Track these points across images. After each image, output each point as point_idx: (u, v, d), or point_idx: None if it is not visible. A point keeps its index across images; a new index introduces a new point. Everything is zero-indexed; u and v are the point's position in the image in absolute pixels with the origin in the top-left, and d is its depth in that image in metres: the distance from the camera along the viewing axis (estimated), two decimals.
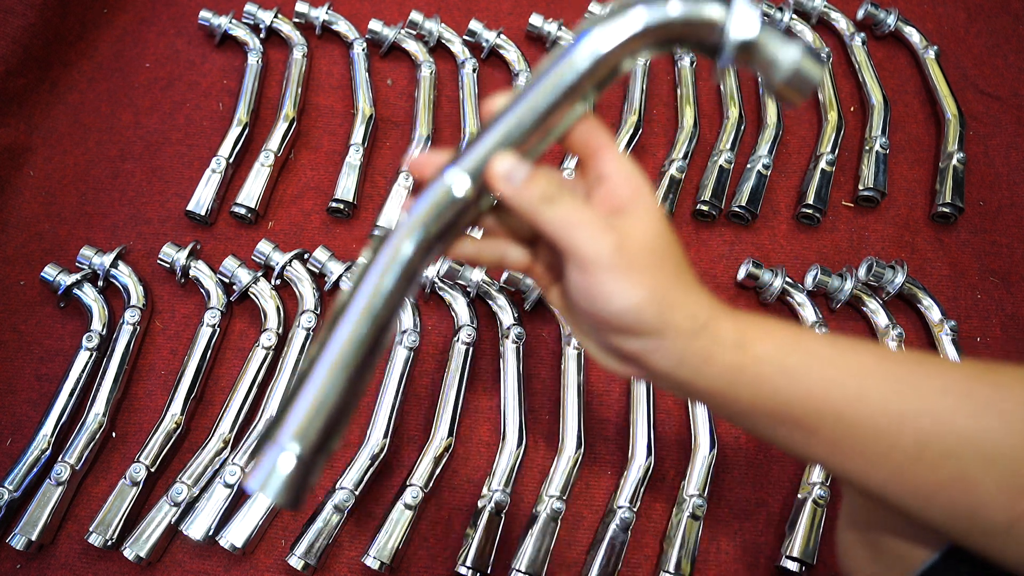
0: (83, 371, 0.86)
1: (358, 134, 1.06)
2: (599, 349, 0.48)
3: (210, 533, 0.78)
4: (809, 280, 0.98)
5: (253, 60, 1.11)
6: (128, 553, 0.77)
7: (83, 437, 0.82)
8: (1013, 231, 1.07)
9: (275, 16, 1.15)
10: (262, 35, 1.15)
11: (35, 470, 0.81)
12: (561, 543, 0.82)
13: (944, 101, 1.13)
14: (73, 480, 0.80)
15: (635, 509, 0.82)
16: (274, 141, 1.04)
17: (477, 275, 0.93)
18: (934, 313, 0.96)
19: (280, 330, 0.91)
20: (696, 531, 0.81)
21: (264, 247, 0.96)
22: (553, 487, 0.82)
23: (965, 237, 1.06)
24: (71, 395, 0.85)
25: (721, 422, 0.87)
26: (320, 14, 1.17)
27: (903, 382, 0.40)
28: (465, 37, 1.16)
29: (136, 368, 0.90)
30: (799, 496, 0.84)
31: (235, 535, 0.77)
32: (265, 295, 0.93)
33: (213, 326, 0.90)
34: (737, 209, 1.02)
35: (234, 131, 1.04)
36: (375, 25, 1.15)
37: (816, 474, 0.84)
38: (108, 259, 0.93)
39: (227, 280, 0.93)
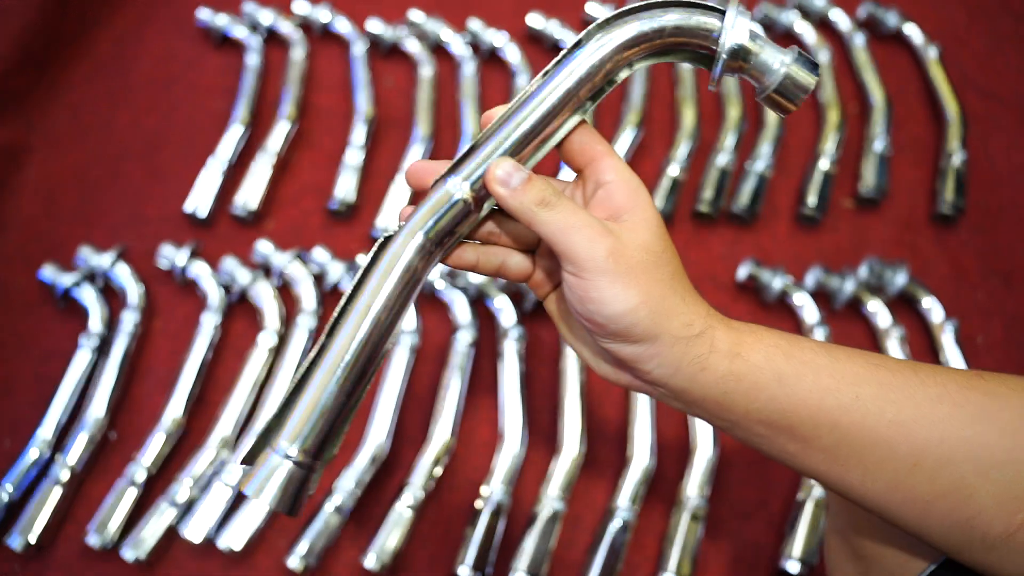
0: (82, 372, 0.86)
1: (358, 134, 1.05)
2: (593, 355, 0.48)
3: (209, 535, 0.78)
4: (810, 280, 0.98)
5: (252, 60, 1.11)
6: (127, 554, 0.76)
7: (82, 438, 0.82)
8: (1014, 231, 1.07)
9: (275, 16, 1.15)
10: (261, 35, 1.15)
11: (34, 471, 0.81)
12: (561, 543, 0.82)
13: (945, 101, 1.13)
14: (72, 481, 0.80)
15: (635, 509, 0.82)
16: (274, 141, 1.04)
17: (477, 276, 0.92)
18: (936, 313, 0.96)
19: (280, 330, 0.91)
20: (696, 531, 0.81)
21: (264, 247, 0.95)
22: (553, 487, 0.82)
23: (966, 237, 1.06)
24: (70, 396, 0.85)
25: None
26: (320, 14, 1.16)
27: (898, 390, 0.40)
28: (465, 36, 1.16)
29: (135, 368, 0.90)
30: (799, 496, 0.84)
31: (233, 538, 0.77)
32: (264, 295, 0.92)
33: (212, 326, 0.90)
34: (737, 210, 1.02)
35: (234, 131, 1.04)
36: (375, 25, 1.15)
37: None
38: (107, 259, 0.93)
39: (226, 280, 0.93)
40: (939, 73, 1.16)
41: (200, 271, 0.93)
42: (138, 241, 0.99)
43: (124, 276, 0.92)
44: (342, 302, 0.43)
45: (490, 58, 1.18)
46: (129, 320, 0.90)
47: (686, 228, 1.04)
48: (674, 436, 0.88)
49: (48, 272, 0.92)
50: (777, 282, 0.96)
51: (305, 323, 0.90)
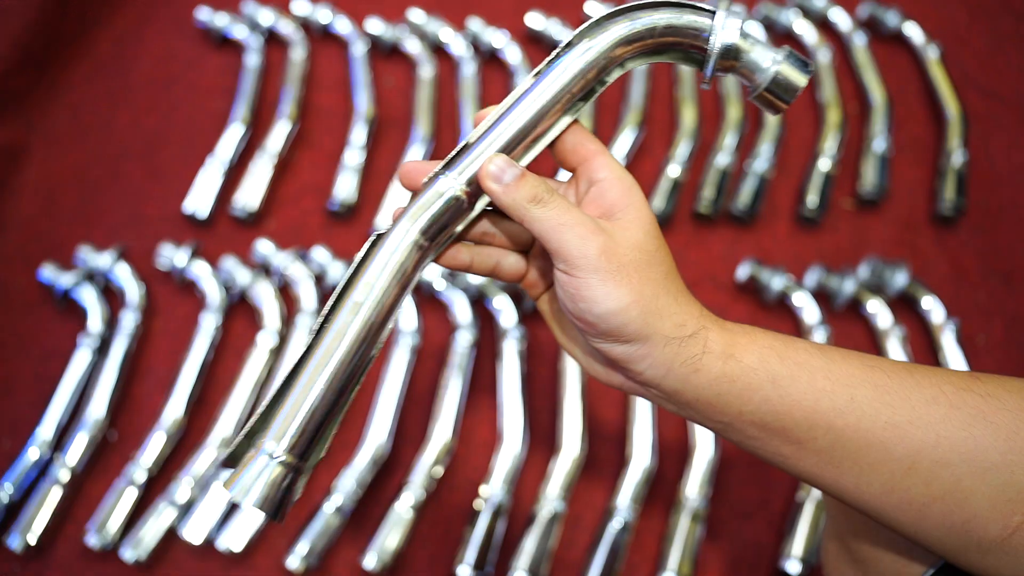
0: (82, 372, 0.86)
1: (358, 134, 1.05)
2: (585, 355, 0.48)
3: (209, 536, 0.78)
4: (810, 280, 0.98)
5: (252, 60, 1.11)
6: (127, 555, 0.76)
7: (82, 438, 0.82)
8: (1015, 231, 1.07)
9: (275, 16, 1.15)
10: (261, 35, 1.15)
11: (34, 471, 0.81)
12: (561, 543, 0.82)
13: (945, 101, 1.13)
14: (72, 481, 0.80)
15: (635, 509, 0.82)
16: (274, 141, 1.04)
17: (477, 276, 0.92)
18: (936, 314, 0.96)
19: (280, 330, 0.91)
20: (696, 531, 0.81)
21: (264, 247, 0.95)
22: (553, 487, 0.82)
23: (966, 237, 1.06)
24: (70, 396, 0.85)
25: None
26: (320, 14, 1.16)
27: (894, 392, 0.40)
28: (465, 36, 1.16)
29: (135, 368, 0.90)
30: (799, 496, 0.83)
31: (233, 538, 0.77)
32: (264, 295, 0.92)
33: (212, 326, 0.90)
34: (737, 210, 1.02)
35: (233, 131, 1.04)
36: (375, 25, 1.15)
37: None
38: (107, 259, 0.93)
39: (227, 280, 0.93)
40: (940, 73, 1.16)
41: (200, 271, 0.93)
42: (138, 241, 0.99)
43: (124, 276, 0.92)
44: (331, 300, 0.42)
45: (490, 58, 1.17)
46: (129, 320, 0.90)
47: (686, 228, 1.04)
48: (674, 436, 0.88)
49: (48, 272, 0.92)
50: (777, 282, 0.96)
51: (305, 323, 0.90)
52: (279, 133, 1.04)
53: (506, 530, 0.82)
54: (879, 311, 0.96)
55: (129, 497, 0.79)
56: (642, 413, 0.86)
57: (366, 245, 0.43)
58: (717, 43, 0.41)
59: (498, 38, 1.15)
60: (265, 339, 0.89)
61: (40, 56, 1.08)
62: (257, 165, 1.02)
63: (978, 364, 0.95)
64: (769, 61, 0.41)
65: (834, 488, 0.42)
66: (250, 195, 1.00)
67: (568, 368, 0.89)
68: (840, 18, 1.22)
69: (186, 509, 0.79)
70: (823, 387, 0.40)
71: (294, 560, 0.76)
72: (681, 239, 1.04)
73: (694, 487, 0.83)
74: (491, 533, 0.79)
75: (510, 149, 0.43)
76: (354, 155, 1.04)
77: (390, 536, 0.78)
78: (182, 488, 0.79)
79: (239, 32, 1.14)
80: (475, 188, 0.43)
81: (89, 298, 0.91)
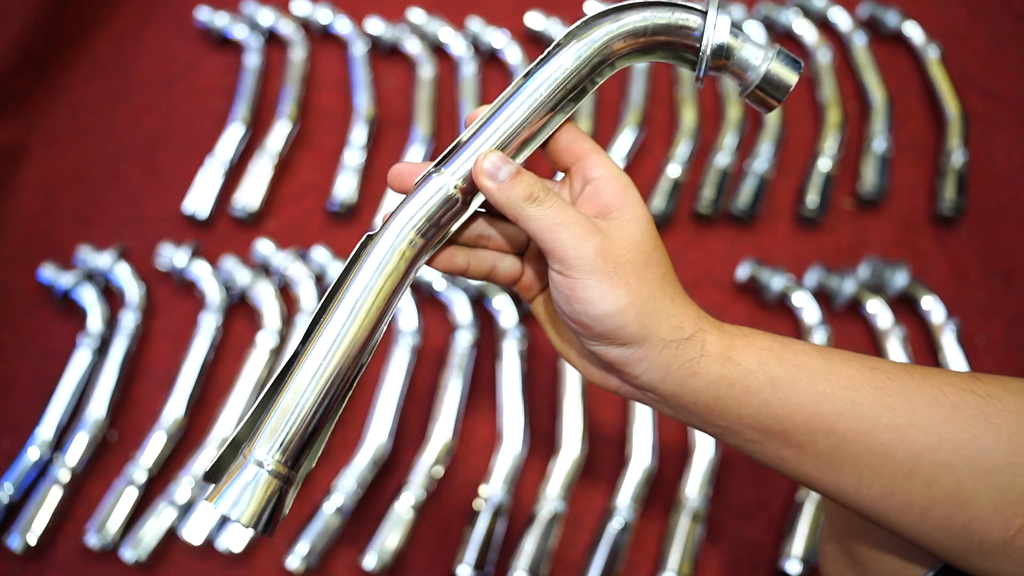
0: (82, 372, 0.86)
1: (358, 134, 1.05)
2: (581, 358, 0.47)
3: (209, 536, 0.78)
4: (810, 280, 0.98)
5: (252, 60, 1.11)
6: (127, 555, 0.76)
7: (82, 438, 0.82)
8: (1015, 231, 1.07)
9: (275, 16, 1.15)
10: (261, 35, 1.15)
11: (34, 471, 0.81)
12: (561, 543, 0.82)
13: (946, 101, 1.13)
14: (72, 481, 0.80)
15: (635, 509, 0.82)
16: (274, 141, 1.04)
17: None
18: (936, 314, 0.96)
19: (279, 330, 0.91)
20: (696, 531, 0.81)
21: (264, 247, 0.95)
22: (553, 487, 0.82)
23: (966, 237, 1.06)
24: (70, 396, 0.85)
25: None
26: (320, 14, 1.16)
27: (895, 394, 0.40)
28: (465, 37, 1.16)
29: (135, 368, 0.90)
30: (799, 496, 0.83)
31: (233, 539, 0.77)
32: (264, 295, 0.92)
33: (212, 326, 0.90)
34: (737, 210, 1.02)
35: (233, 131, 1.04)
36: (375, 25, 1.15)
37: None
38: (107, 259, 0.93)
39: (226, 280, 0.93)
40: (940, 72, 1.16)
41: (200, 271, 0.93)
42: (138, 241, 0.99)
43: (124, 276, 0.92)
44: (321, 302, 0.41)
45: (490, 58, 1.17)
46: (129, 320, 0.90)
47: (686, 228, 1.04)
48: (674, 436, 0.88)
49: (48, 272, 0.92)
50: (777, 282, 0.96)
51: (305, 323, 0.90)
52: (279, 133, 1.04)
53: (506, 530, 0.82)
54: (879, 311, 0.96)
55: (129, 497, 0.79)
56: (642, 413, 0.86)
57: (358, 244, 0.42)
58: (709, 42, 0.41)
59: (498, 38, 1.15)
60: (265, 339, 0.89)
61: (40, 56, 1.08)
62: (257, 165, 1.02)
63: (978, 364, 0.95)
64: (760, 59, 0.41)
65: (834, 491, 0.41)
66: (250, 195, 1.00)
67: (568, 368, 0.89)
68: (840, 18, 1.22)
69: (186, 509, 0.79)
70: (823, 389, 0.40)
71: (294, 560, 0.76)
72: (681, 239, 1.04)
73: (694, 487, 0.83)
74: (491, 533, 0.79)
75: (503, 148, 0.42)
76: (354, 155, 1.04)
77: (390, 536, 0.78)
78: (182, 488, 0.79)
79: (239, 32, 1.14)
80: (469, 186, 0.42)
81: (89, 298, 0.91)
